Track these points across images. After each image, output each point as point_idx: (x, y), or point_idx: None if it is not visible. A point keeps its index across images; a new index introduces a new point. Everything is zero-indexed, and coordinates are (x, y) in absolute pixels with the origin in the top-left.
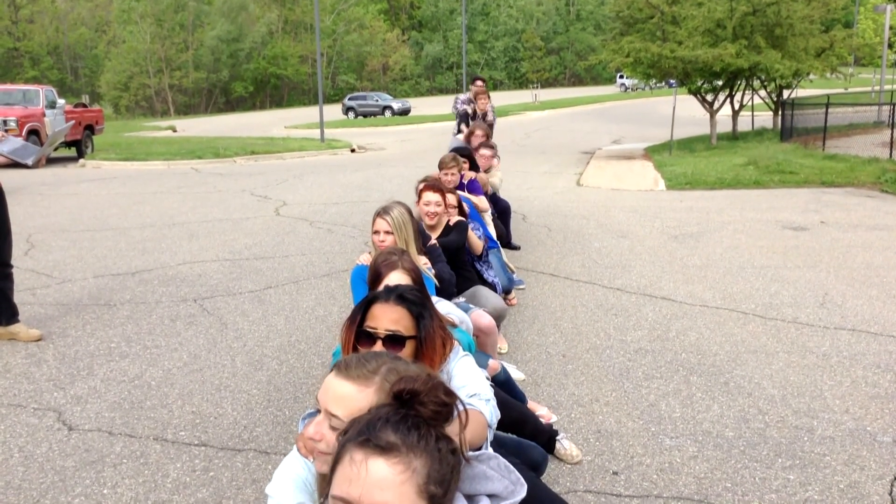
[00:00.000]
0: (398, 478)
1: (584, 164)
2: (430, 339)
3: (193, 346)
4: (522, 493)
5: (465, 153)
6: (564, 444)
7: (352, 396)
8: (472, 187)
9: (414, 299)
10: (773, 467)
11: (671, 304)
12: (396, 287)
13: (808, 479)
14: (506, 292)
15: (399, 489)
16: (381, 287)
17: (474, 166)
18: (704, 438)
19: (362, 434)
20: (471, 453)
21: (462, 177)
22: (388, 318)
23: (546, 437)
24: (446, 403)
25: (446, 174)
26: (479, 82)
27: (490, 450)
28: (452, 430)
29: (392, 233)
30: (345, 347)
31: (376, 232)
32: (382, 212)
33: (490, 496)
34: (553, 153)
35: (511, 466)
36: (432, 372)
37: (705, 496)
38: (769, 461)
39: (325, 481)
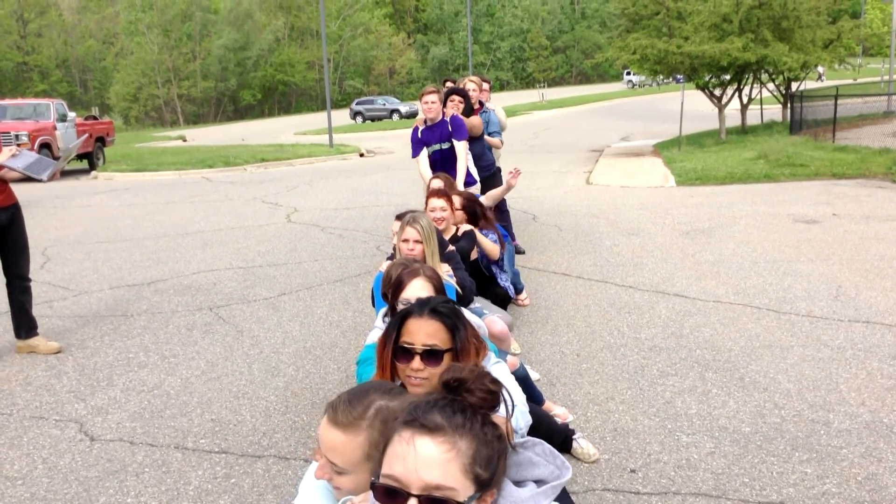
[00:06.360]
0: (444, 456)
1: (593, 163)
2: (465, 349)
3: (210, 354)
4: (568, 475)
5: (460, 92)
6: (581, 444)
7: (343, 447)
8: (455, 122)
9: (448, 312)
10: (791, 461)
11: (684, 301)
12: (429, 300)
13: (825, 472)
14: (517, 291)
15: (445, 467)
16: (401, 296)
17: (469, 112)
18: (721, 434)
19: (410, 415)
20: (516, 440)
21: (444, 113)
22: (423, 332)
23: (561, 437)
24: (493, 391)
25: (426, 103)
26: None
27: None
28: (499, 419)
29: (421, 242)
30: (381, 365)
31: (405, 240)
32: (412, 220)
33: (536, 482)
34: (562, 152)
35: (556, 451)
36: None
37: (723, 492)
38: (786, 455)
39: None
